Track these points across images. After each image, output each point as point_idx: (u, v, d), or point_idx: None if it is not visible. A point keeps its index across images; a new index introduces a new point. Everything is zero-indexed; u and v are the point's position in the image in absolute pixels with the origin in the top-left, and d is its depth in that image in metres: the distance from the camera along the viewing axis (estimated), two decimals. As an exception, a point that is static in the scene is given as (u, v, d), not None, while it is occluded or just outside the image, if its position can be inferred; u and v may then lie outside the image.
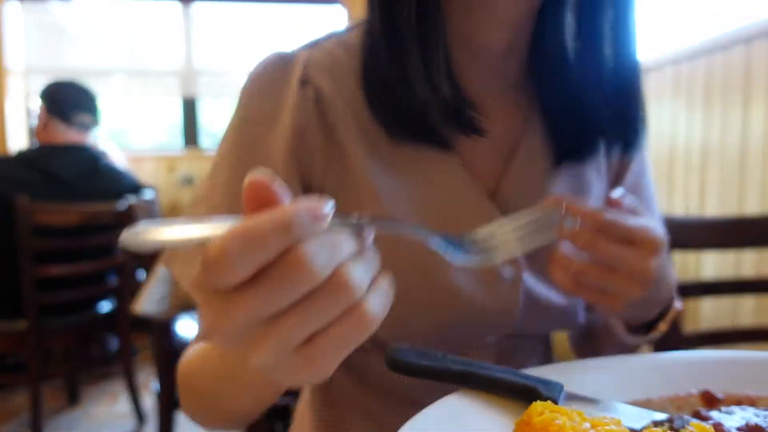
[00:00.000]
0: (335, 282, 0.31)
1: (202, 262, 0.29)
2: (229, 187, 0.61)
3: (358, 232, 0.33)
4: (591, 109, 0.65)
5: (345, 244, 0.32)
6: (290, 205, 0.30)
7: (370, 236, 0.34)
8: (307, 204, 0.30)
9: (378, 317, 0.32)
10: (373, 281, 0.33)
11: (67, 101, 2.39)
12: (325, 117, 0.62)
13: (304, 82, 0.61)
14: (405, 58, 0.59)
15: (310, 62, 0.62)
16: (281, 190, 0.31)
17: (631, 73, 0.65)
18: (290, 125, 0.61)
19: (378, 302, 0.33)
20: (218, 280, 0.29)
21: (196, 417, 0.60)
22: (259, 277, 0.30)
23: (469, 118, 0.62)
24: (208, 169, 0.64)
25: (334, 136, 0.62)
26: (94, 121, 2.44)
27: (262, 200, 0.31)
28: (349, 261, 0.32)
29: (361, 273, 0.32)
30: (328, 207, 0.31)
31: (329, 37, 0.66)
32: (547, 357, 0.78)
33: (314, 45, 0.65)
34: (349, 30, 0.67)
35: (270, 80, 0.62)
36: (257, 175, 0.31)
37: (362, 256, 0.33)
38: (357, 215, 0.34)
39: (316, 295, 0.31)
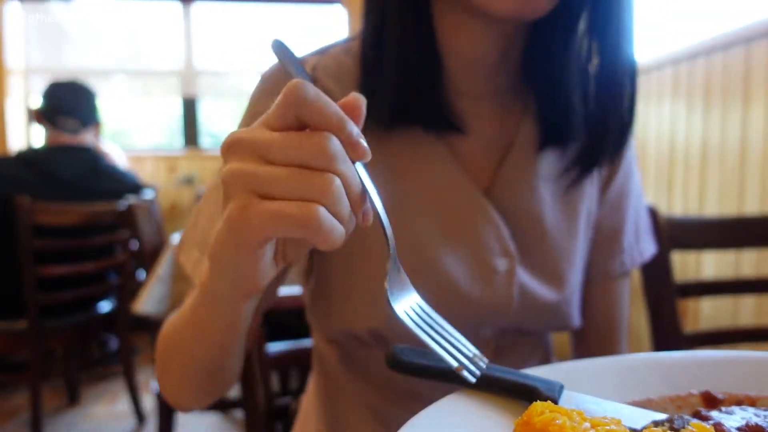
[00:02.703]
0: (326, 178, 0.35)
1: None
2: None
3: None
4: (572, 97, 0.67)
5: (361, 173, 0.37)
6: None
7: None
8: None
9: (324, 237, 0.35)
10: (351, 214, 0.37)
11: (51, 104, 2.38)
12: None
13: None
14: (394, 74, 0.62)
15: (318, 66, 0.65)
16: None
17: (621, 77, 0.64)
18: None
19: (334, 228, 0.36)
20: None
21: (167, 385, 0.62)
22: (290, 132, 0.36)
23: (450, 122, 0.65)
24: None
25: None
26: (81, 125, 2.41)
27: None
28: (351, 180, 0.36)
29: (346, 198, 0.36)
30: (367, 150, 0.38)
31: (336, 44, 0.69)
32: (546, 359, 0.78)
33: (322, 52, 0.68)
34: (354, 38, 0.70)
35: (278, 81, 0.65)
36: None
37: (369, 194, 0.38)
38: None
39: (304, 173, 0.35)
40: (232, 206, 0.36)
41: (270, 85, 0.65)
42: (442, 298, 0.64)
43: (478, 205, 0.66)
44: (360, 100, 0.39)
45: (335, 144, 0.35)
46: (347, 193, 0.37)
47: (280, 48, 0.40)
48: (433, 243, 0.65)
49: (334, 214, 0.36)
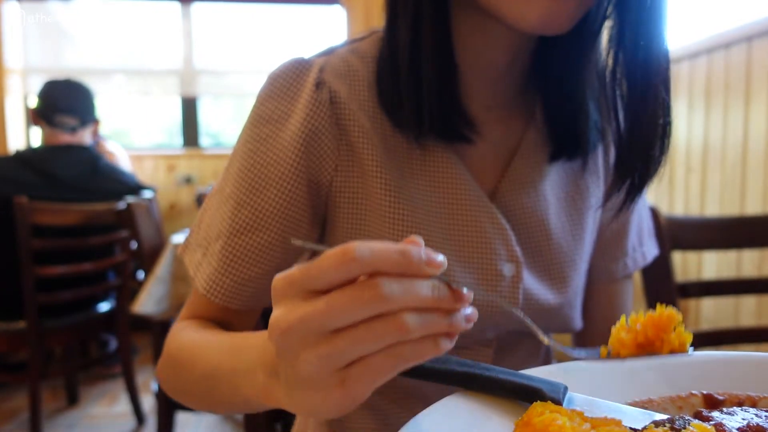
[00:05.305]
0: (396, 319, 0.33)
1: (306, 265, 0.34)
2: (239, 178, 0.64)
3: (453, 290, 0.35)
4: (587, 108, 0.66)
5: (424, 289, 0.34)
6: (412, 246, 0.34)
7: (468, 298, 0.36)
8: (427, 251, 0.34)
9: (421, 360, 0.35)
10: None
11: (49, 103, 2.36)
12: (339, 118, 0.64)
13: (319, 84, 0.64)
14: (417, 77, 0.61)
15: (326, 67, 0.65)
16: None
17: (650, 94, 0.59)
18: (302, 124, 0.62)
19: (425, 350, 0.35)
20: (311, 282, 0.34)
21: (170, 389, 0.62)
22: (334, 293, 0.33)
23: (460, 131, 0.64)
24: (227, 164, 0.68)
25: (347, 137, 0.64)
26: (80, 123, 2.40)
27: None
28: (423, 298, 0.34)
29: (429, 316, 0.34)
30: (441, 258, 0.35)
31: (343, 45, 0.69)
32: (547, 359, 0.78)
33: (330, 52, 0.68)
34: (361, 39, 0.69)
35: (286, 82, 0.64)
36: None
37: (438, 308, 0.35)
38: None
39: (375, 326, 0.34)
40: (324, 395, 0.36)
41: (278, 85, 0.64)
42: None
43: (485, 209, 0.66)
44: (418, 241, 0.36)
45: (388, 285, 0.33)
46: (431, 304, 0.35)
47: (301, 242, 0.40)
48: (440, 247, 0.64)
49: (424, 333, 0.35)
